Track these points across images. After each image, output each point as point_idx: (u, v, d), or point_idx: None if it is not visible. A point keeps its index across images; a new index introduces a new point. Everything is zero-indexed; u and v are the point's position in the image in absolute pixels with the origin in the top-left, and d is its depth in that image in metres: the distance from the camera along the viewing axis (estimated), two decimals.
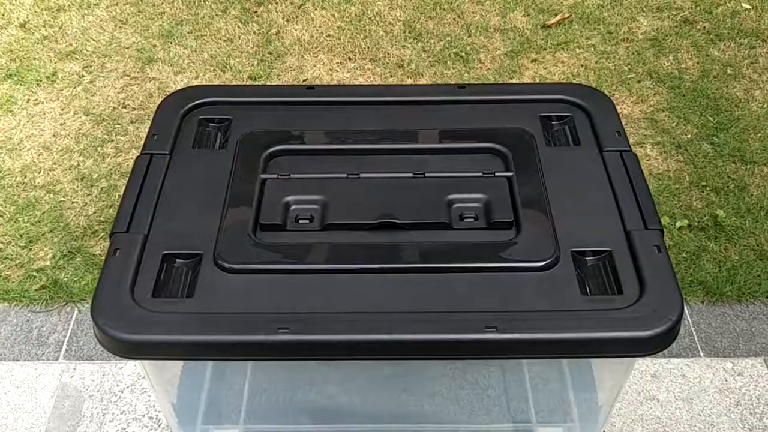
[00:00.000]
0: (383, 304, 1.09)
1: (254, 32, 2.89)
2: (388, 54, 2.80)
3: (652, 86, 2.67)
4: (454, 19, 2.95)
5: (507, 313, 1.07)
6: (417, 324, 1.06)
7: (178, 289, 1.12)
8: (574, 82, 2.66)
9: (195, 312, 1.09)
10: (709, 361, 1.97)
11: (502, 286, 1.11)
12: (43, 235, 2.23)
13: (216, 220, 1.20)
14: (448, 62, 2.77)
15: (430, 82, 2.69)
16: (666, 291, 1.09)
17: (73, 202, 2.31)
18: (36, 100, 2.64)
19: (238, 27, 2.92)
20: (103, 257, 2.14)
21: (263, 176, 1.28)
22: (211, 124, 1.40)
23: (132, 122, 2.56)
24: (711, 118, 2.56)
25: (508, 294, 1.10)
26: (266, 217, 1.22)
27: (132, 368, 1.95)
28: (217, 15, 2.97)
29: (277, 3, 3.01)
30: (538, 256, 1.14)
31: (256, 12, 2.98)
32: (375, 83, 2.68)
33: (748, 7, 2.99)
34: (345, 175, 1.28)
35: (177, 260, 1.16)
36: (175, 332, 1.07)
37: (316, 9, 2.99)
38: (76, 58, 2.80)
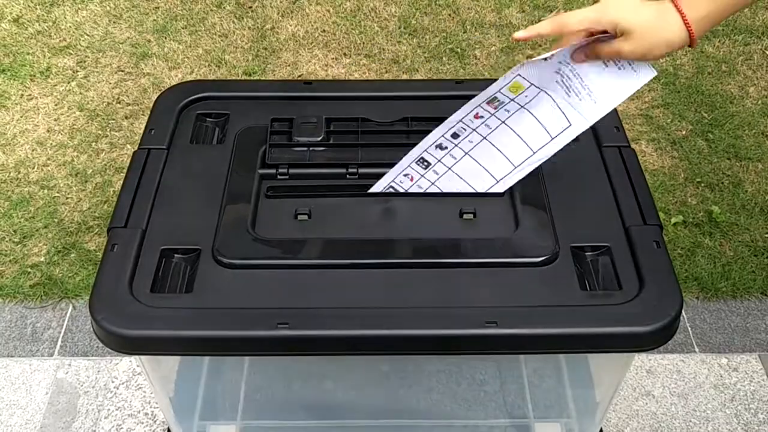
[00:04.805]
0: (383, 299, 1.09)
1: (249, 27, 2.88)
2: (384, 50, 2.80)
3: (646, 83, 2.67)
4: (450, 15, 2.95)
5: (507, 308, 1.07)
6: (417, 319, 1.06)
7: (176, 285, 1.12)
8: None
9: (194, 307, 1.08)
10: (704, 356, 1.98)
11: (502, 282, 1.11)
12: (37, 230, 2.21)
13: (214, 215, 1.20)
14: (444, 58, 2.77)
15: (426, 78, 2.68)
16: (665, 286, 1.09)
17: (67, 198, 2.30)
18: (29, 95, 2.63)
19: (233, 22, 2.91)
20: (98, 253, 2.15)
21: (261, 171, 1.28)
22: (208, 119, 1.39)
23: (126, 118, 2.55)
24: (706, 115, 2.56)
25: (508, 289, 1.10)
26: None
27: (127, 364, 1.95)
28: (211, 10, 2.96)
29: None
30: (538, 251, 1.14)
31: (250, 7, 2.97)
32: (372, 78, 2.68)
33: None
34: (344, 171, 1.28)
35: (175, 255, 1.15)
36: (173, 327, 1.06)
37: (311, 4, 2.98)
38: (70, 53, 2.78)
